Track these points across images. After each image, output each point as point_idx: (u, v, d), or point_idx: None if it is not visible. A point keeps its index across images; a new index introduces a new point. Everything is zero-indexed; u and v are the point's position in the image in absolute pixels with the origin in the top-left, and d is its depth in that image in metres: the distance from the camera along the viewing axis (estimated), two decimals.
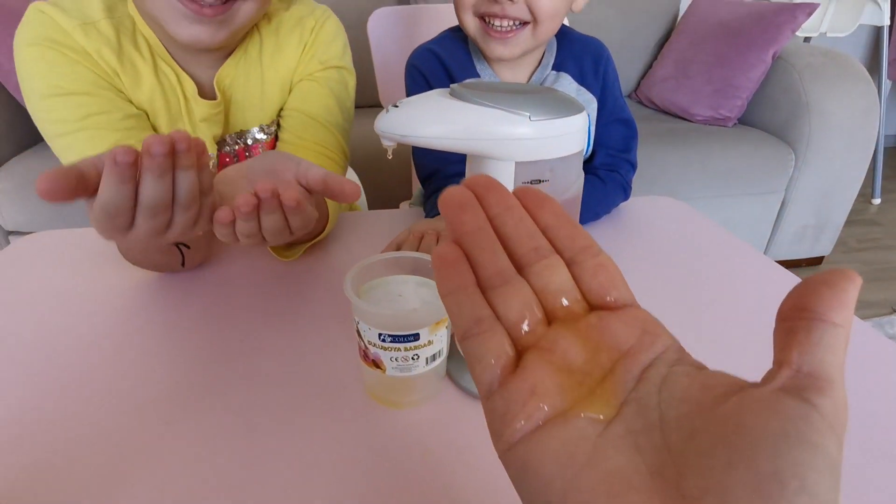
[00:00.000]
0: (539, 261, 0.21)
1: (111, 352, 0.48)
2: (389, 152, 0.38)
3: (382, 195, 1.40)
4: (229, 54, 0.62)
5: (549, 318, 0.21)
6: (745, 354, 0.48)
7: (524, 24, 0.64)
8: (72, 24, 0.53)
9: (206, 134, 0.63)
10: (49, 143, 0.56)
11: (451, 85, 0.37)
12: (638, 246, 0.67)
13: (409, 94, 0.73)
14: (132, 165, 0.31)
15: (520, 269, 0.21)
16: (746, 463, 0.15)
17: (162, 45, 0.58)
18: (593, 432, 0.18)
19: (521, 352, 0.20)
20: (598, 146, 0.74)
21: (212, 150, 0.64)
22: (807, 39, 2.21)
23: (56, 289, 0.57)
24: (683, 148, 1.54)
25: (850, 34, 2.15)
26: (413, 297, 0.45)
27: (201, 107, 0.61)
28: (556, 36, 0.73)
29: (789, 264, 1.77)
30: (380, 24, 1.18)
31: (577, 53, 0.73)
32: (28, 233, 1.32)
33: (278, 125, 0.68)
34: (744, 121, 1.69)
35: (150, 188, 0.32)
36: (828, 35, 2.13)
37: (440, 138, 0.35)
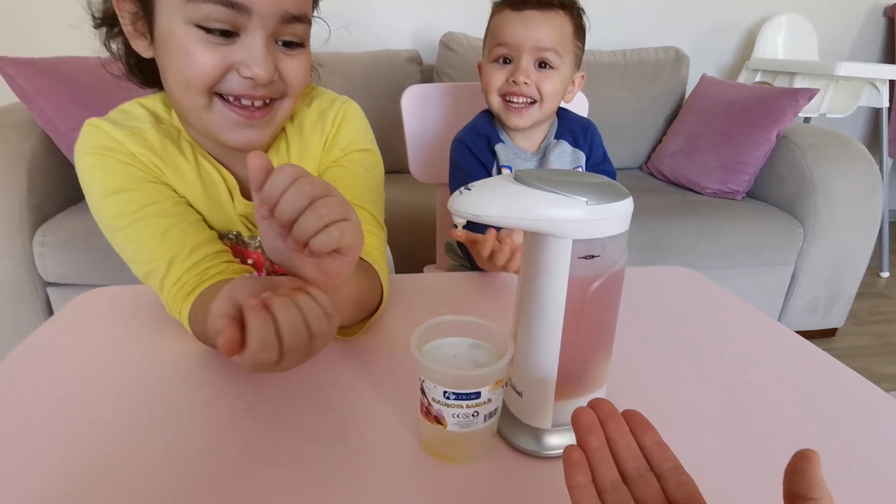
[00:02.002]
0: (639, 477, 0.32)
1: (166, 410, 0.51)
2: (459, 228, 0.43)
3: (406, 259, 1.45)
4: (264, 152, 0.67)
5: None
6: (762, 420, 0.51)
7: (533, 102, 0.88)
8: (122, 134, 0.59)
9: (250, 224, 0.67)
10: (111, 240, 0.60)
11: (516, 171, 0.42)
12: (655, 314, 0.71)
13: (456, 163, 0.96)
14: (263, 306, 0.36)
15: (625, 479, 0.32)
16: None
17: (204, 148, 0.64)
18: None
19: None
20: None
21: (257, 234, 0.68)
22: (807, 119, 2.32)
23: (113, 347, 0.61)
24: (696, 220, 1.60)
25: (849, 115, 2.26)
26: (466, 358, 0.49)
27: (241, 205, 0.66)
28: (557, 116, 0.96)
29: (803, 335, 1.78)
30: (412, 99, 1.28)
31: (571, 127, 0.97)
32: (66, 285, 1.38)
33: None
34: (752, 195, 1.77)
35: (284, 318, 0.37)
36: (827, 116, 2.25)
37: (507, 217, 0.40)
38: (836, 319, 1.78)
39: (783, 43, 2.31)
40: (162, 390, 0.53)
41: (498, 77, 0.88)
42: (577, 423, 0.34)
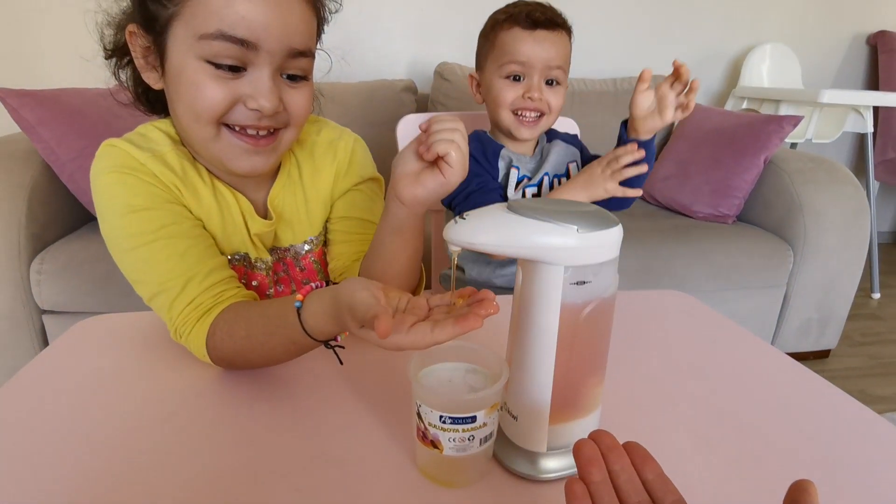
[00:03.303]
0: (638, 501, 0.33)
1: (163, 438, 0.51)
2: (454, 256, 0.45)
3: None
4: (272, 176, 0.70)
5: None
6: (757, 444, 0.52)
7: (541, 115, 0.94)
8: (144, 155, 0.61)
9: (260, 245, 0.70)
10: (120, 260, 0.61)
11: (509, 201, 0.44)
12: (648, 338, 0.72)
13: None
14: None
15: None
16: None
17: (213, 173, 0.66)
18: None
19: None
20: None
21: (265, 257, 0.71)
22: (794, 145, 2.37)
23: (111, 375, 0.61)
24: (687, 243, 1.63)
25: (834, 140, 2.32)
26: (462, 383, 0.49)
27: (258, 224, 0.68)
28: (547, 133, 1.05)
29: (797, 357, 1.79)
30: (407, 128, 1.31)
31: (558, 135, 1.05)
32: (61, 312, 1.38)
33: (325, 236, 0.76)
34: (742, 218, 1.80)
35: None
36: (813, 141, 2.30)
37: (501, 246, 0.42)
38: (829, 341, 1.80)
39: (768, 71, 2.38)
40: (159, 418, 0.54)
41: (511, 93, 0.92)
42: (578, 455, 0.34)
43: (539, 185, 0.96)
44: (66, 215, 1.46)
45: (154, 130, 0.65)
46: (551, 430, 0.47)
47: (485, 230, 0.42)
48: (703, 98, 2.48)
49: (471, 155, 0.92)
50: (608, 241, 0.43)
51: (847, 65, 2.60)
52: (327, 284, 0.54)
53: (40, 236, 1.37)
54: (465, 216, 0.43)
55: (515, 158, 0.97)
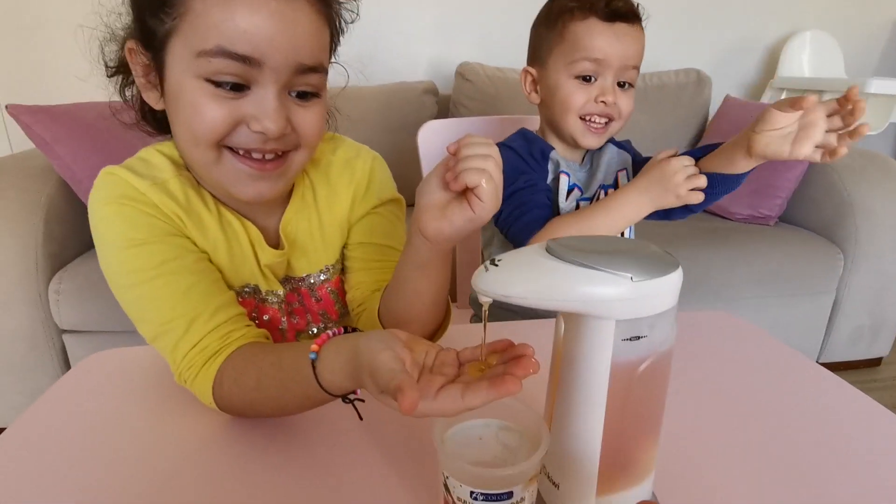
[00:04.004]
0: None
1: (172, 486, 0.47)
2: (486, 307, 0.39)
3: None
4: (284, 201, 0.65)
5: None
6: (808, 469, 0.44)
7: (610, 120, 0.83)
8: (144, 184, 0.56)
9: (270, 276, 0.65)
10: (120, 297, 0.56)
11: (548, 242, 0.38)
12: (700, 373, 0.65)
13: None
14: None
15: None
16: None
17: (220, 199, 0.61)
18: None
19: None
20: None
21: (277, 289, 0.66)
22: None
23: (120, 413, 0.58)
24: (726, 247, 1.53)
25: (881, 131, 2.18)
26: (494, 441, 0.43)
27: (268, 255, 0.63)
28: None
29: (846, 366, 1.69)
30: (428, 135, 1.25)
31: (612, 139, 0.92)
32: (81, 332, 1.36)
33: (342, 263, 0.71)
34: (785, 219, 1.69)
35: None
36: None
37: (541, 299, 0.35)
38: (881, 348, 1.68)
39: (808, 60, 2.25)
40: (170, 463, 0.50)
41: (581, 96, 0.81)
42: None
43: (592, 200, 0.86)
44: (83, 233, 1.44)
45: (156, 155, 0.60)
46: (599, 501, 0.41)
47: (521, 280, 0.36)
48: (738, 91, 2.36)
49: (515, 153, 0.85)
50: (667, 288, 0.36)
51: (891, 51, 2.44)
52: (345, 328, 0.49)
53: (58, 255, 1.35)
54: (497, 261, 0.37)
55: (564, 164, 0.87)
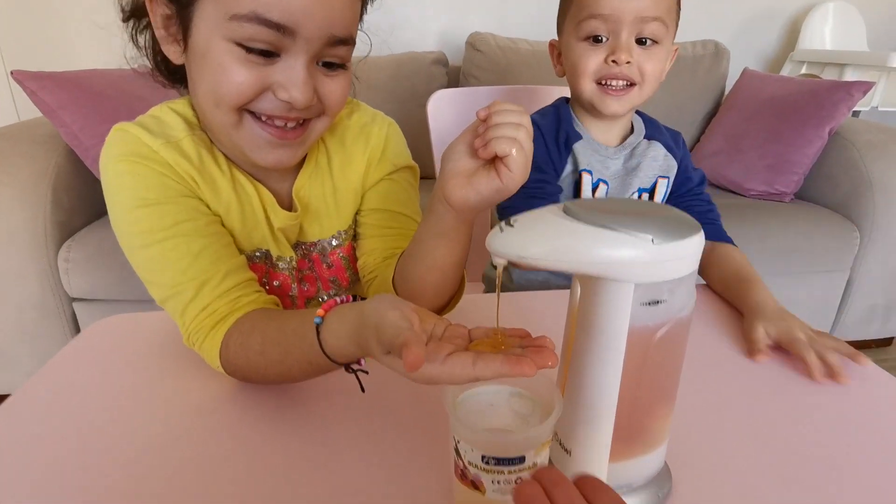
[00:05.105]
0: None
1: (182, 450, 0.47)
2: (500, 269, 0.37)
3: None
4: (298, 165, 0.64)
5: None
6: (847, 479, 0.43)
7: (632, 84, 0.75)
8: (157, 143, 0.55)
9: (282, 240, 0.64)
10: (131, 257, 0.56)
11: (565, 203, 0.36)
12: (714, 350, 0.64)
13: None
14: None
15: None
16: None
17: (234, 161, 0.60)
18: None
19: None
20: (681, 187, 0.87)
21: (288, 254, 0.65)
22: (856, 113, 2.18)
23: (130, 377, 0.58)
24: (740, 224, 1.51)
25: None
26: (505, 407, 0.43)
27: (281, 217, 0.62)
28: (642, 117, 0.86)
29: (858, 345, 1.67)
30: (438, 105, 1.22)
31: (662, 131, 0.86)
32: (92, 300, 1.37)
33: (354, 230, 0.70)
34: (801, 196, 1.66)
35: None
36: (880, 109, 2.11)
37: (558, 261, 0.34)
38: (894, 328, 1.66)
39: (830, 32, 2.18)
40: (175, 427, 0.49)
41: (593, 59, 0.74)
42: (518, 497, 0.30)
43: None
44: (91, 202, 1.44)
45: (170, 113, 0.58)
46: (611, 467, 0.40)
47: (537, 241, 0.35)
48: (757, 64, 2.30)
49: (540, 133, 0.79)
50: (688, 252, 0.35)
51: None
52: (355, 298, 0.48)
53: (66, 223, 1.35)
54: (512, 222, 0.36)
55: (592, 151, 0.80)
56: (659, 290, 0.35)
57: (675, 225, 0.35)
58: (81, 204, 1.40)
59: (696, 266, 0.36)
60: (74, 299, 1.38)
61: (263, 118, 0.53)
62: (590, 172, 0.79)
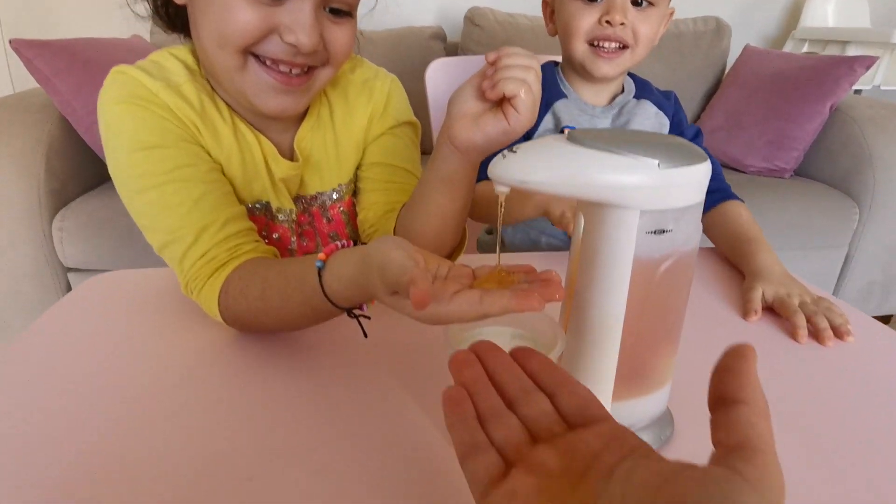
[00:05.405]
0: (525, 396, 0.28)
1: (175, 404, 0.46)
2: (502, 198, 0.37)
3: None
4: (300, 117, 0.63)
5: (535, 439, 0.27)
6: (849, 424, 0.43)
7: (625, 47, 0.74)
8: (157, 85, 0.53)
9: (283, 191, 0.63)
10: (129, 203, 0.54)
11: (569, 131, 0.35)
12: (720, 297, 0.63)
13: None
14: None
15: (511, 405, 0.28)
16: None
17: (235, 110, 0.59)
18: None
19: (509, 467, 0.25)
20: None
21: (288, 206, 0.64)
22: (857, 92, 2.17)
23: (122, 334, 0.57)
24: None
25: None
26: (507, 348, 0.42)
27: (283, 167, 0.61)
28: (634, 79, 0.85)
29: None
30: (437, 74, 1.21)
31: (653, 91, 0.86)
32: (86, 270, 1.36)
33: (355, 185, 0.69)
34: (801, 172, 1.65)
35: None
36: (882, 88, 2.10)
37: (561, 184, 0.33)
38: (892, 305, 1.67)
39: (833, 10, 2.16)
40: (172, 383, 0.48)
41: (586, 18, 0.72)
42: (452, 364, 0.30)
43: None
44: (85, 171, 1.42)
45: (170, 58, 0.57)
46: (614, 406, 0.40)
47: (541, 166, 0.34)
48: (758, 41, 2.28)
49: None
50: (695, 178, 0.34)
51: None
52: (356, 244, 0.47)
53: (60, 192, 1.34)
54: (515, 149, 0.35)
55: (579, 111, 0.79)
56: (664, 218, 0.34)
57: (682, 152, 0.34)
58: (75, 173, 1.39)
59: (702, 196, 0.36)
60: (69, 269, 1.36)
61: (268, 63, 0.52)
62: (572, 129, 0.79)
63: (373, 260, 0.39)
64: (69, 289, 1.38)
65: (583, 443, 0.25)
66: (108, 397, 0.46)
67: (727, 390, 0.23)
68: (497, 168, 0.35)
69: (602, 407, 0.28)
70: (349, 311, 0.46)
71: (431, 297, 0.33)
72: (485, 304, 0.34)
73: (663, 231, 0.35)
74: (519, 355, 0.31)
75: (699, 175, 0.34)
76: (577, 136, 0.34)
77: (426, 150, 1.52)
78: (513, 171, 0.34)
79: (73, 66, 1.34)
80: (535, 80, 0.46)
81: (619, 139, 0.34)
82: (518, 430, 0.27)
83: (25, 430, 0.43)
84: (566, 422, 0.27)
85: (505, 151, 0.35)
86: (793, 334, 0.56)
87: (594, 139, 0.34)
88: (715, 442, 0.22)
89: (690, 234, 0.36)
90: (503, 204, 0.38)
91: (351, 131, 0.65)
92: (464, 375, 0.29)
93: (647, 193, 0.33)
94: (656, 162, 0.33)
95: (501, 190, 0.36)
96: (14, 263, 1.32)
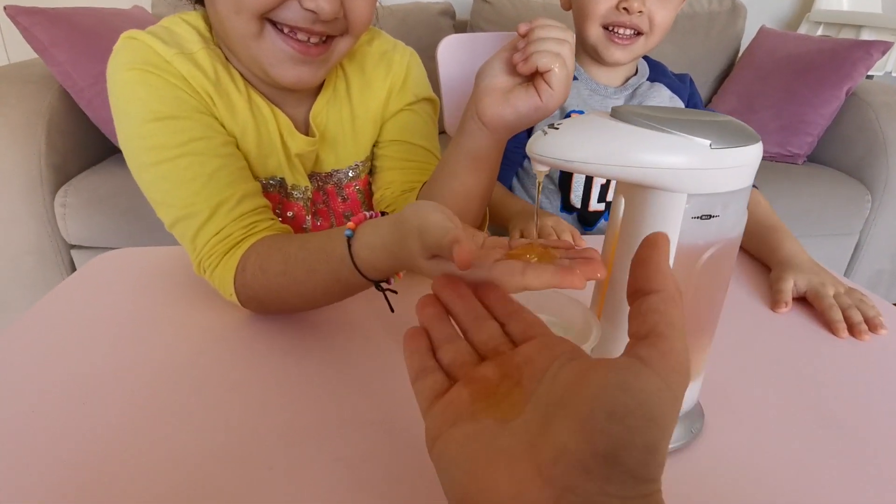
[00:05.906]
0: (476, 323, 0.30)
1: (188, 390, 0.45)
2: (540, 177, 0.35)
3: None
4: (316, 92, 0.60)
5: (483, 359, 0.28)
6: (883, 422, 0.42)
7: (640, 34, 0.74)
8: (170, 52, 0.51)
9: (298, 167, 0.61)
10: (139, 176, 0.52)
11: (613, 108, 0.33)
12: (748, 288, 0.62)
13: None
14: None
15: (464, 333, 0.30)
16: (577, 408, 0.20)
17: (250, 82, 0.57)
18: (496, 427, 0.23)
19: (453, 384, 0.27)
20: None
21: (303, 183, 0.62)
22: (869, 78, 2.13)
23: (139, 311, 0.55)
24: None
25: None
26: None
27: (298, 142, 0.59)
28: (648, 62, 0.84)
29: None
30: (448, 52, 1.17)
31: (668, 73, 0.85)
32: (90, 248, 1.34)
33: (371, 163, 0.67)
34: (814, 158, 1.63)
35: None
36: (894, 74, 2.06)
37: (605, 164, 0.31)
38: None
39: None
40: (177, 367, 0.47)
41: (604, 2, 0.73)
42: (418, 307, 0.31)
43: None
44: (88, 146, 1.39)
45: (182, 24, 0.54)
46: None
47: (584, 144, 0.32)
48: (772, 23, 2.23)
49: None
50: (747, 161, 0.32)
51: None
52: (383, 212, 0.45)
53: (61, 167, 1.31)
54: (557, 125, 0.33)
55: (590, 92, 0.78)
56: (712, 202, 0.33)
57: (735, 131, 0.32)
58: (77, 147, 1.36)
59: (752, 179, 0.34)
60: (73, 246, 1.34)
61: (286, 30, 0.49)
62: (580, 113, 0.77)
63: (410, 224, 0.36)
64: (72, 266, 1.37)
65: (520, 355, 0.26)
66: (117, 380, 0.45)
67: (640, 281, 0.24)
68: (537, 145, 0.33)
69: (545, 326, 0.29)
70: (377, 284, 0.44)
71: (474, 257, 0.31)
72: (528, 276, 0.31)
73: (710, 216, 0.33)
74: (478, 290, 0.31)
75: (752, 157, 0.32)
76: (623, 113, 0.32)
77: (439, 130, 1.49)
78: (554, 148, 0.32)
79: (73, 35, 1.30)
80: (569, 53, 0.43)
81: (669, 117, 0.32)
82: (466, 352, 0.28)
83: (31, 412, 0.41)
84: (512, 343, 0.28)
85: (545, 128, 0.33)
86: (831, 329, 0.54)
87: (641, 116, 0.32)
88: (629, 334, 0.23)
89: (737, 221, 0.35)
90: (541, 183, 0.36)
91: (368, 106, 0.63)
92: (424, 314, 0.31)
93: (697, 175, 0.31)
94: (708, 142, 0.31)
95: (541, 169, 0.34)
96: (16, 240, 1.30)
